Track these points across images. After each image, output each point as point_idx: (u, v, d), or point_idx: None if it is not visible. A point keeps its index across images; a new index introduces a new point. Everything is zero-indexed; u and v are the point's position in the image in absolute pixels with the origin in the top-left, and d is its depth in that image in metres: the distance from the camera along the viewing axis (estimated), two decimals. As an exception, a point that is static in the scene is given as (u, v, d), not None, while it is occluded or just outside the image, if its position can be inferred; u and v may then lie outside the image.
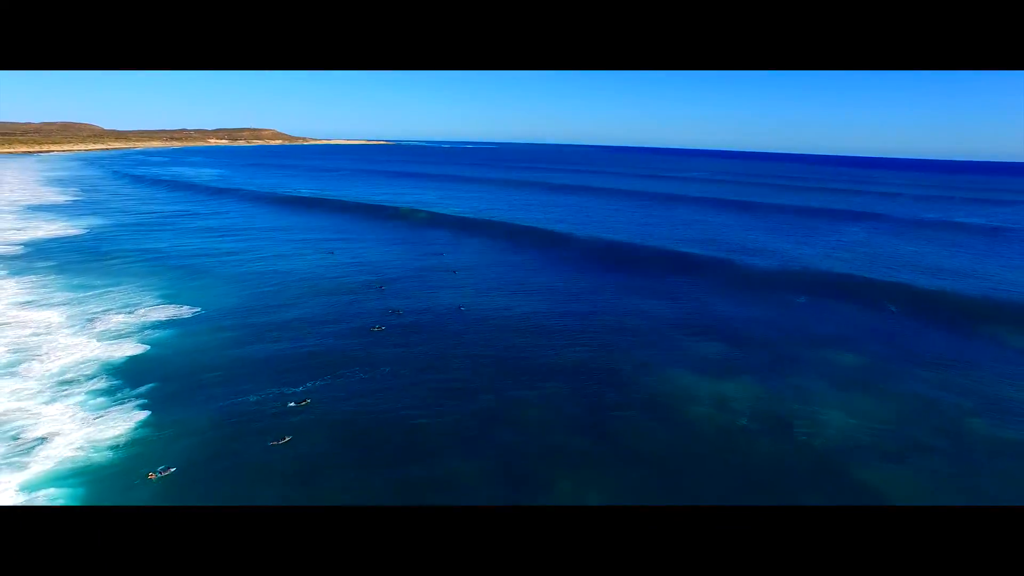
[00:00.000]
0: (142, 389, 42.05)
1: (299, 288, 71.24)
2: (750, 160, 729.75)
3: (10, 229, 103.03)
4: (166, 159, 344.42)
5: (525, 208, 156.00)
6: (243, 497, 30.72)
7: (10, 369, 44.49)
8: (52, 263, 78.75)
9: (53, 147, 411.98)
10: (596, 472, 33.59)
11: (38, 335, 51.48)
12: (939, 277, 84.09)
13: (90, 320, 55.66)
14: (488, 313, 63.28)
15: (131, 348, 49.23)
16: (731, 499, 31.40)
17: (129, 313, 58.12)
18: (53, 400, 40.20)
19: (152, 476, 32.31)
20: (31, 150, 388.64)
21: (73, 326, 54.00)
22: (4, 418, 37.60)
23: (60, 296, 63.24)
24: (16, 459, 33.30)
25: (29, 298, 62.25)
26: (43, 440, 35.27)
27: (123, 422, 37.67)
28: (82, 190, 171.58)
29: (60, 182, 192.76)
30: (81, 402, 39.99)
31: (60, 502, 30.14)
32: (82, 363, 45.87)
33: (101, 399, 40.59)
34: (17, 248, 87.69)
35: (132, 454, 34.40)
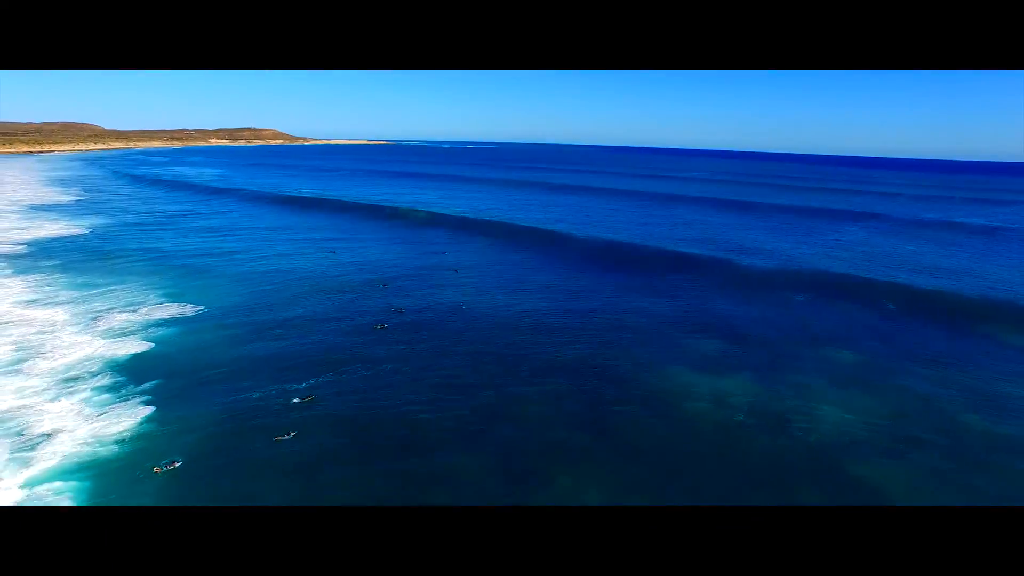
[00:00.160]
0: (147, 386, 42.51)
1: (302, 287, 71.72)
2: (750, 160, 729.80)
3: (13, 228, 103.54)
4: (167, 159, 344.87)
5: (525, 208, 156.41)
6: (249, 491, 31.19)
7: (16, 367, 44.94)
8: (56, 262, 79.27)
9: (54, 147, 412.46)
10: (596, 467, 34.04)
11: (43, 333, 51.94)
12: (937, 276, 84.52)
13: (94, 318, 56.13)
14: (489, 311, 63.76)
15: (135, 346, 49.68)
16: (729, 493, 31.82)
17: (133, 311, 58.58)
18: (58, 397, 40.63)
19: (157, 470, 32.78)
20: (32, 150, 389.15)
21: (77, 324, 54.47)
22: (10, 415, 38.04)
23: (64, 295, 63.72)
24: (23, 454, 33.74)
25: (34, 297, 62.74)
26: (49, 436, 35.72)
27: (128, 418, 38.13)
28: (84, 190, 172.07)
29: (62, 182, 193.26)
30: (86, 399, 40.42)
31: (67, 495, 30.59)
32: (87, 360, 46.32)
33: (106, 395, 41.04)
34: (21, 247, 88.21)
35: (137, 448, 34.86)
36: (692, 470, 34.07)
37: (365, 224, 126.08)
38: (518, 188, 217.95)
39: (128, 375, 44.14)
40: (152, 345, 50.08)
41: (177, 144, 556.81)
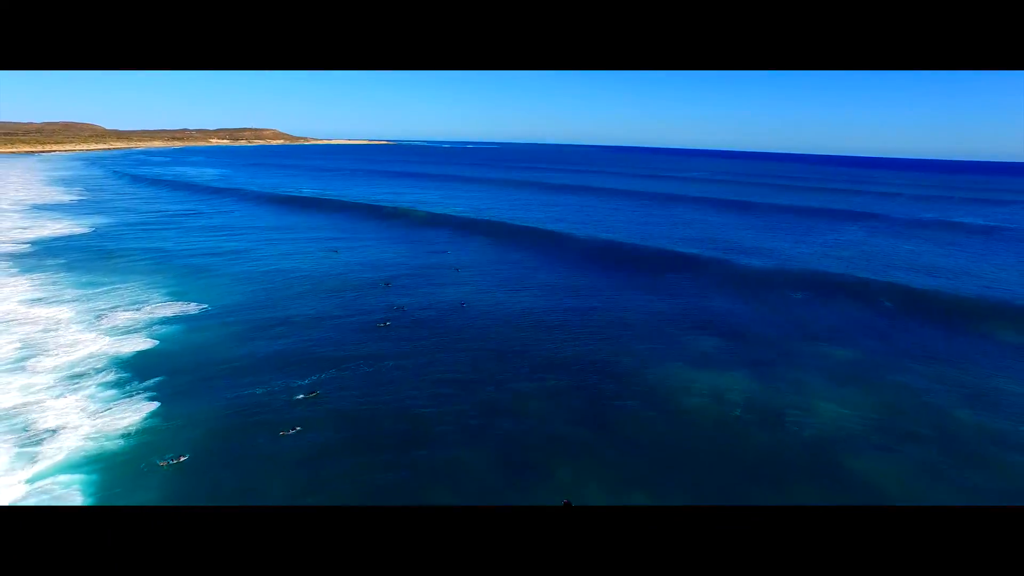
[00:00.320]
0: (151, 382, 43.08)
1: (304, 285, 72.32)
2: (750, 160, 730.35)
3: (16, 228, 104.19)
4: (168, 159, 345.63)
5: (525, 207, 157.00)
6: (254, 484, 31.77)
7: (22, 364, 45.51)
8: (60, 261, 79.88)
9: (55, 147, 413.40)
10: (595, 460, 34.62)
11: (48, 331, 52.51)
12: (934, 276, 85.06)
13: (99, 316, 56.72)
14: (490, 309, 64.36)
15: (140, 343, 50.25)
16: (726, 486, 32.40)
17: (137, 310, 59.17)
18: (64, 393, 41.18)
19: (163, 464, 33.34)
20: (33, 150, 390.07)
21: (82, 322, 55.06)
22: (17, 411, 38.60)
23: (69, 293, 64.32)
24: (30, 449, 34.30)
25: (39, 295, 63.34)
26: (55, 431, 36.27)
27: (133, 413, 38.69)
28: (86, 189, 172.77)
29: (64, 181, 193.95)
30: (92, 395, 40.98)
31: (75, 488, 31.15)
32: (92, 358, 46.88)
33: (111, 392, 41.61)
34: (25, 246, 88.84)
35: (143, 443, 35.43)
36: (690, 464, 34.63)
37: (366, 224, 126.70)
38: (518, 188, 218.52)
39: (133, 372, 44.71)
40: (156, 342, 50.66)
41: (178, 144, 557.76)
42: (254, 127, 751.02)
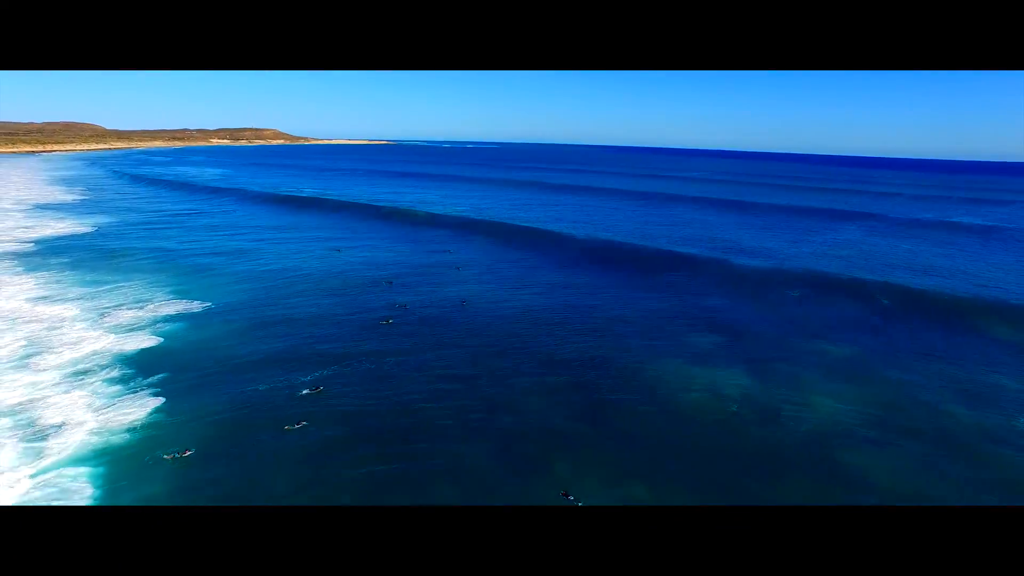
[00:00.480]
0: (155, 379, 43.65)
1: (307, 284, 72.93)
2: (750, 160, 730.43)
3: (20, 227, 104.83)
4: (169, 159, 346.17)
5: (525, 207, 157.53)
6: (259, 478, 32.36)
7: (28, 360, 46.09)
8: (64, 260, 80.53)
9: (56, 147, 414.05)
10: (593, 454, 35.21)
11: (54, 329, 53.10)
12: (932, 274, 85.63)
13: (103, 314, 57.30)
14: (490, 307, 64.97)
15: (144, 341, 50.83)
16: (723, 479, 32.97)
17: (140, 308, 59.75)
18: (71, 389, 41.77)
19: (168, 457, 33.90)
20: (34, 150, 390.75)
21: (87, 320, 55.66)
22: (25, 406, 39.19)
23: (73, 292, 64.92)
24: (37, 443, 34.87)
25: (44, 293, 63.98)
26: (62, 425, 36.84)
27: (138, 409, 39.28)
28: (88, 189, 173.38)
29: (65, 181, 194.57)
30: (97, 391, 41.56)
31: (82, 480, 31.70)
32: (97, 355, 47.46)
33: (116, 387, 42.20)
34: (29, 245, 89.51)
35: (148, 437, 36.04)
36: (687, 458, 35.19)
37: (368, 223, 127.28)
38: (518, 188, 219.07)
39: (137, 368, 45.30)
40: (160, 340, 51.23)
41: (178, 144, 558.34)
42: (254, 127, 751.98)
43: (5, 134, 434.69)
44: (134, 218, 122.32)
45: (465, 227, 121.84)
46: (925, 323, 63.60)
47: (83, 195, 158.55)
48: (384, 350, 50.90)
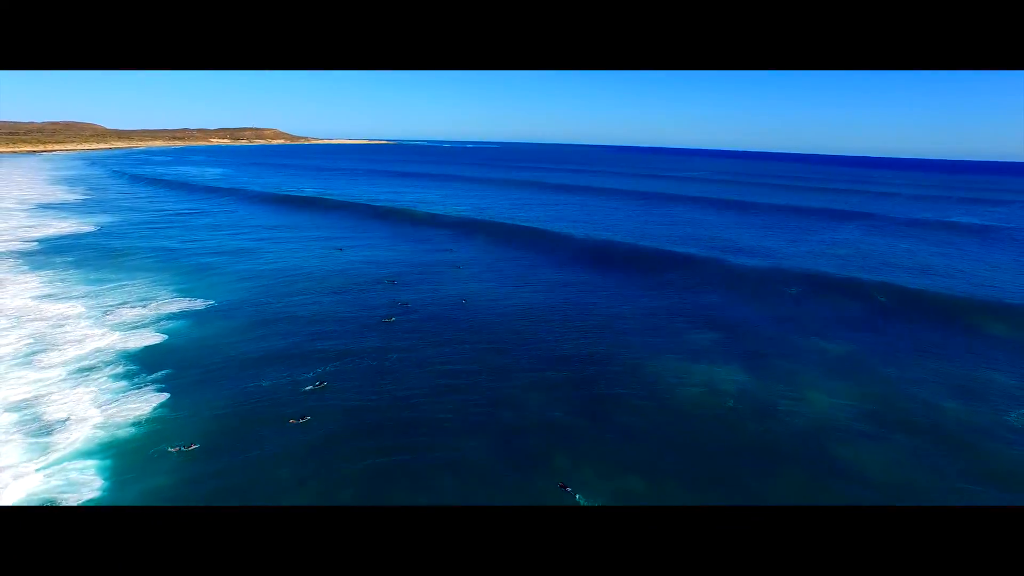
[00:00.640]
0: (160, 375, 44.30)
1: (309, 282, 73.59)
2: (750, 160, 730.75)
3: (23, 226, 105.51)
4: (169, 158, 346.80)
5: (525, 207, 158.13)
6: (264, 471, 32.99)
7: (35, 357, 46.72)
8: (68, 259, 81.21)
9: (56, 146, 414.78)
10: (592, 448, 35.85)
11: (59, 326, 53.74)
12: (929, 274, 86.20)
13: (107, 312, 57.96)
14: (491, 305, 65.64)
15: (148, 338, 51.47)
16: (719, 472, 33.61)
17: (144, 306, 60.41)
18: (76, 385, 42.41)
19: (174, 450, 34.54)
20: (35, 149, 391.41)
21: (92, 317, 56.31)
22: (32, 401, 39.83)
23: (78, 290, 65.59)
24: (44, 438, 35.51)
25: (49, 291, 64.65)
26: (68, 420, 37.48)
27: (143, 404, 39.92)
28: (90, 189, 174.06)
29: (67, 181, 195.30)
30: (103, 387, 42.19)
31: (89, 472, 32.31)
32: (102, 352, 48.09)
33: (121, 383, 42.85)
34: (33, 244, 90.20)
35: (153, 431, 36.70)
36: (683, 451, 35.84)
37: (369, 223, 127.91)
38: (518, 188, 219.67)
39: (141, 365, 45.94)
40: (164, 337, 51.87)
41: (179, 144, 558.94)
42: (255, 127, 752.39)
43: (6, 134, 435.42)
44: (136, 217, 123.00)
45: (465, 226, 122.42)
46: (921, 321, 64.20)
47: (85, 195, 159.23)
48: (386, 347, 51.56)
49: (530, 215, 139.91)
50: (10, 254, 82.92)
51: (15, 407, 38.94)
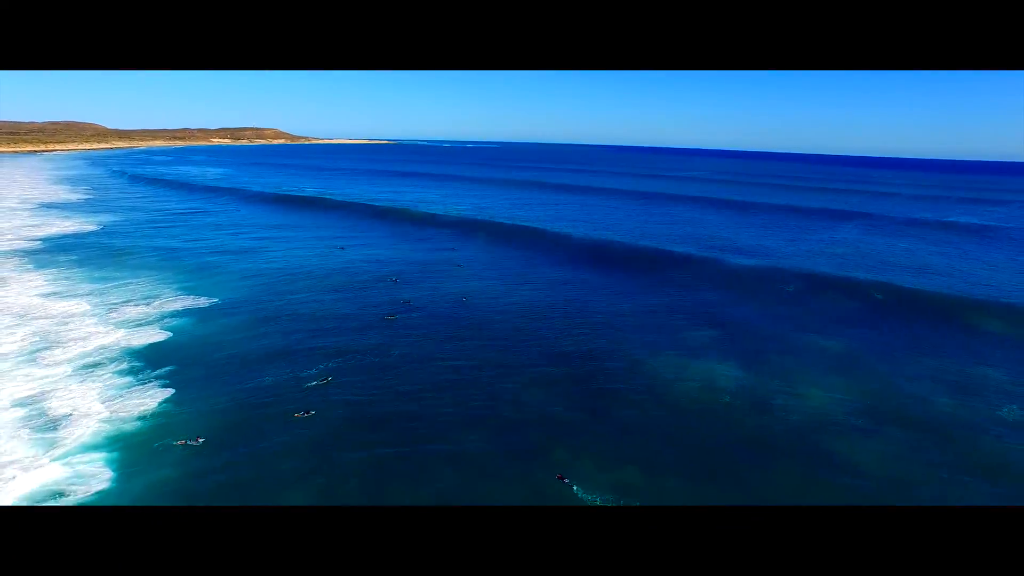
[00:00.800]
0: (164, 371, 44.87)
1: (311, 281, 74.20)
2: (750, 160, 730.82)
3: (27, 225, 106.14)
4: (170, 158, 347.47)
5: (526, 207, 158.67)
6: (268, 465, 33.56)
7: (40, 354, 47.29)
8: (72, 257, 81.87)
9: (58, 146, 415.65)
10: (590, 442, 36.41)
11: (64, 324, 54.32)
12: (926, 273, 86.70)
13: (112, 310, 58.54)
14: (491, 303, 66.23)
15: (152, 335, 52.03)
16: (715, 467, 34.16)
17: (148, 304, 60.99)
18: (82, 381, 42.96)
19: (179, 443, 35.10)
20: (36, 149, 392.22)
21: (96, 315, 56.89)
22: (38, 397, 40.38)
23: (82, 288, 66.18)
24: (51, 433, 36.04)
25: (54, 289, 65.25)
26: (74, 415, 38.03)
27: (148, 400, 40.49)
28: (92, 188, 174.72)
29: (69, 180, 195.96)
30: (108, 383, 42.74)
31: (95, 465, 32.85)
32: (106, 349, 48.65)
33: (126, 379, 43.40)
34: (37, 243, 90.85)
35: (158, 425, 37.29)
36: (680, 445, 36.39)
37: (370, 222, 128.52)
38: (519, 187, 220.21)
39: (146, 362, 46.49)
40: (168, 335, 52.44)
41: (179, 143, 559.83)
42: (255, 126, 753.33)
43: (7, 134, 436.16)
44: (138, 217, 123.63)
45: (466, 226, 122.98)
46: (918, 319, 64.71)
47: (87, 194, 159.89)
48: (388, 344, 52.14)
49: (530, 215, 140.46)
50: (15, 252, 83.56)
51: (22, 403, 39.50)
